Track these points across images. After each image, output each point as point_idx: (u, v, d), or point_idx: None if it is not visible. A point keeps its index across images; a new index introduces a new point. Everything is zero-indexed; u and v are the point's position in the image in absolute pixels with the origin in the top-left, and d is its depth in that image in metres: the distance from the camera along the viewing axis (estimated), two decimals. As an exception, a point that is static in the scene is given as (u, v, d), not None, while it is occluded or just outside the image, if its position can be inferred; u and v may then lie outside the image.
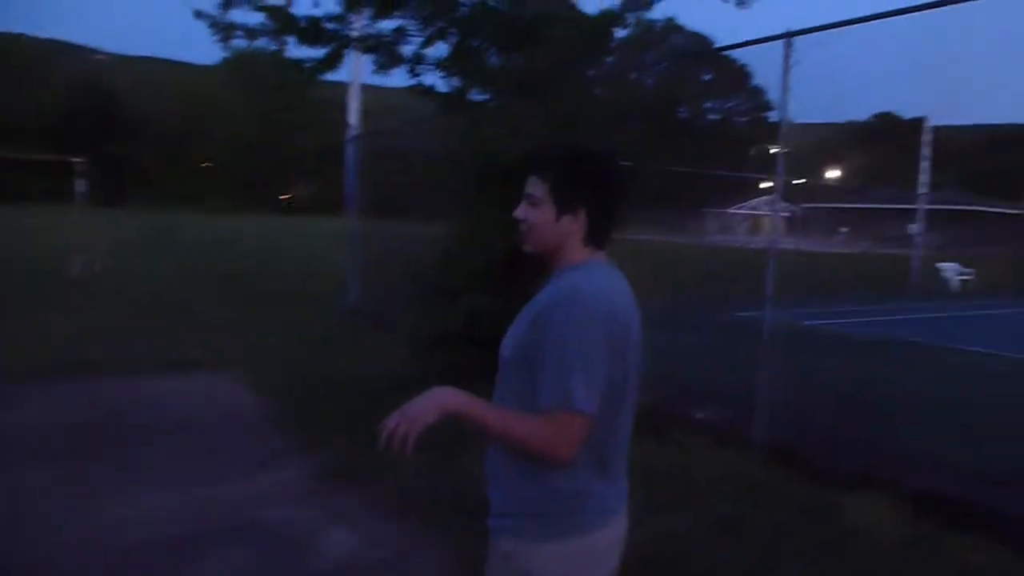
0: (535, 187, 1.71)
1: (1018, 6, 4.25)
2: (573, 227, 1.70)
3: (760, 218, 52.72)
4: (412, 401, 1.57)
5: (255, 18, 5.89)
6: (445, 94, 5.86)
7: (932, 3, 4.49)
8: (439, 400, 1.57)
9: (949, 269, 20.04)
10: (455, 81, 5.83)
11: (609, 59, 6.43)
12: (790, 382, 5.56)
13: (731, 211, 46.80)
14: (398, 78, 6.59)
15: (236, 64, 72.91)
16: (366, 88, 12.08)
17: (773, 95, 5.36)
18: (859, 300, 14.85)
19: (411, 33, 5.80)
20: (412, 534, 3.93)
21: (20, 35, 77.62)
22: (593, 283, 1.65)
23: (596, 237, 1.72)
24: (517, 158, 5.23)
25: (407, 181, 9.42)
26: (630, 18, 5.36)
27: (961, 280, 19.91)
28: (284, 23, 5.75)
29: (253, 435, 5.49)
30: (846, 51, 5.06)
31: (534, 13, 5.23)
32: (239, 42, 6.01)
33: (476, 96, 5.69)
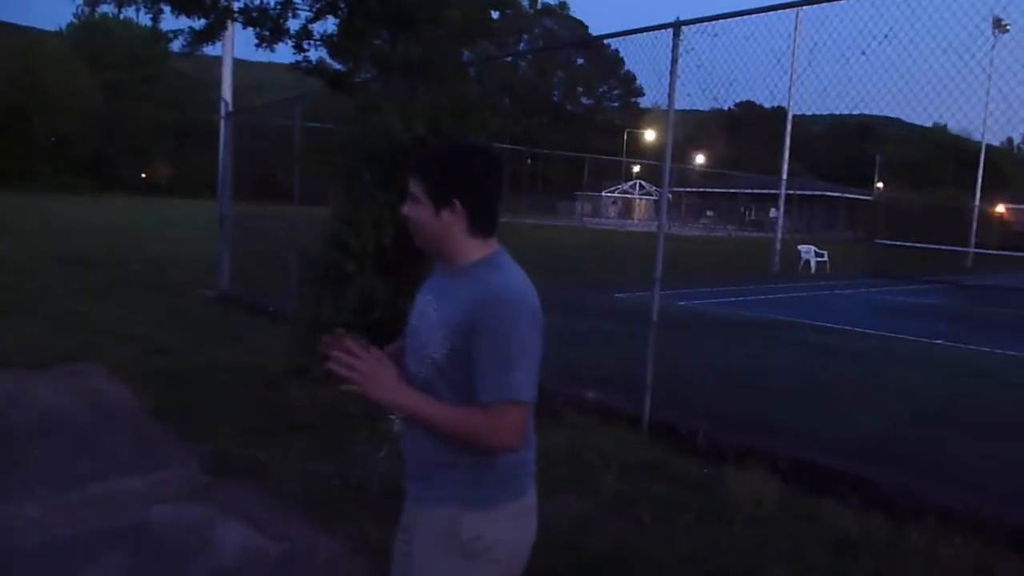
0: (414, 186, 1.81)
1: (866, 7, 4.57)
2: (453, 219, 1.78)
3: (630, 201, 54.46)
4: (385, 372, 1.74)
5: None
6: (333, 72, 5.67)
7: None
8: (397, 393, 1.74)
9: (807, 251, 21.36)
10: (343, 59, 5.65)
11: (492, 42, 6.42)
12: (672, 361, 5.78)
13: (603, 194, 48.01)
14: (263, 53, 6.34)
15: (83, 30, 68.04)
16: (219, 62, 11.43)
17: (644, 81, 5.54)
18: (727, 281, 15.59)
19: (298, 6, 5.58)
20: (311, 524, 3.82)
21: None
22: (519, 280, 1.78)
23: (480, 226, 1.81)
24: (409, 140, 5.18)
25: (285, 161, 9.10)
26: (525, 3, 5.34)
27: (818, 261, 21.27)
28: (157, -10, 5.39)
29: (133, 430, 5.17)
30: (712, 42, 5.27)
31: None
32: (107, 8, 5.55)
33: (365, 76, 5.53)
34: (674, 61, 5.05)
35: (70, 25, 71.07)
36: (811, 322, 11.60)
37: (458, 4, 5.08)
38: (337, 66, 5.66)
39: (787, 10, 5.10)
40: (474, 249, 1.81)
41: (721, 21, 4.94)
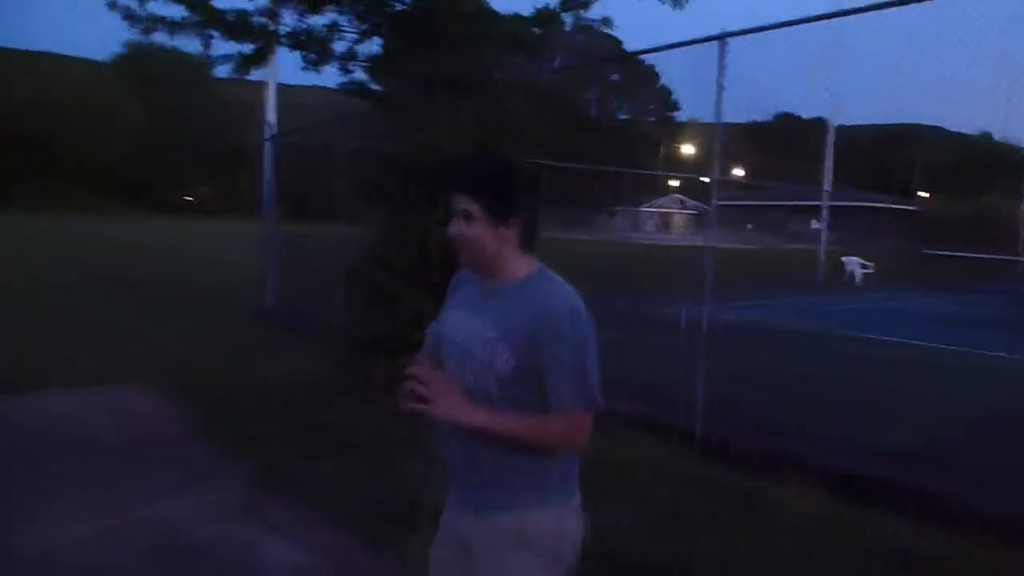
0: (468, 204, 1.81)
1: (907, 13, 4.47)
2: (508, 235, 1.82)
3: (669, 215, 54.15)
4: (451, 391, 1.80)
5: (175, 11, 5.58)
6: (378, 93, 5.73)
7: (852, 10, 4.67)
8: (468, 412, 1.79)
9: (852, 263, 20.99)
10: (388, 79, 5.70)
11: (532, 61, 6.43)
12: (722, 375, 5.69)
13: (642, 209, 47.83)
14: (302, 76, 6.45)
15: (132, 60, 69.95)
16: (262, 85, 11.63)
17: (682, 95, 5.52)
18: (771, 294, 15.36)
19: (344, 29, 5.65)
20: (360, 546, 3.81)
21: None
22: (570, 292, 1.82)
23: (530, 242, 1.86)
24: (454, 158, 5.19)
25: (329, 181, 9.20)
26: (567, 18, 5.37)
27: (864, 273, 20.89)
28: (209, 16, 5.49)
29: (178, 450, 5.21)
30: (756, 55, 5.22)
31: (473, 9, 5.16)
32: (159, 36, 5.68)
33: (410, 94, 5.57)
34: (720, 72, 5.01)
35: (118, 55, 73.23)
36: (859, 334, 11.36)
37: (505, 21, 5.10)
38: (375, 87, 5.69)
39: (828, 20, 5.04)
40: (522, 265, 1.85)
41: (764, 33, 4.89)
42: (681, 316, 6.29)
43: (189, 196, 64.36)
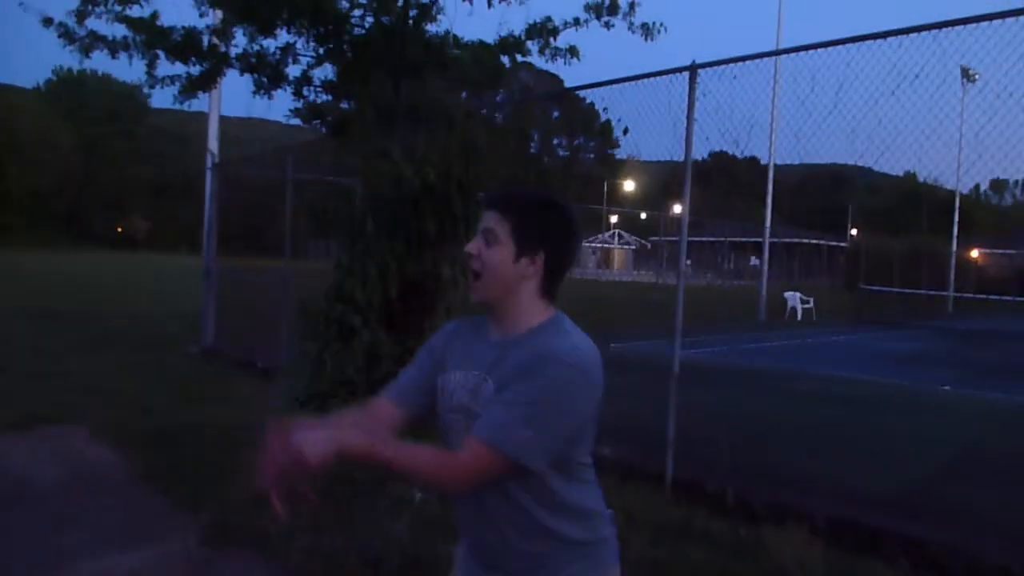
0: (495, 223, 1.61)
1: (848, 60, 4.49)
2: (529, 271, 1.61)
3: (609, 251, 54.67)
4: (295, 439, 1.37)
5: (118, 30, 5.24)
6: (334, 119, 5.48)
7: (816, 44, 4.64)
8: (334, 439, 1.41)
9: (793, 298, 21.34)
10: (343, 105, 5.47)
11: (491, 91, 6.29)
12: (683, 415, 5.53)
13: (584, 244, 48.13)
14: (241, 108, 6.20)
15: (62, 87, 68.05)
16: (198, 117, 11.31)
17: (636, 131, 5.47)
18: (716, 330, 15.41)
19: (299, 52, 5.40)
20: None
21: None
22: (586, 347, 1.59)
23: (551, 289, 1.65)
24: (420, 187, 4.97)
25: (275, 213, 8.86)
26: (532, 46, 5.22)
27: (804, 308, 21.24)
28: (154, 36, 5.17)
29: (122, 498, 4.80)
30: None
31: (435, 36, 4.98)
32: (99, 56, 5.33)
33: (369, 121, 5.34)
34: (691, 105, 4.91)
35: (48, 81, 71.11)
36: (812, 371, 11.41)
37: (468, 48, 4.93)
38: (343, 105, 5.44)
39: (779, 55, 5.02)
40: (537, 311, 1.64)
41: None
42: (636, 352, 6.13)
43: (122, 228, 62.46)
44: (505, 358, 1.59)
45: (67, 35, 5.37)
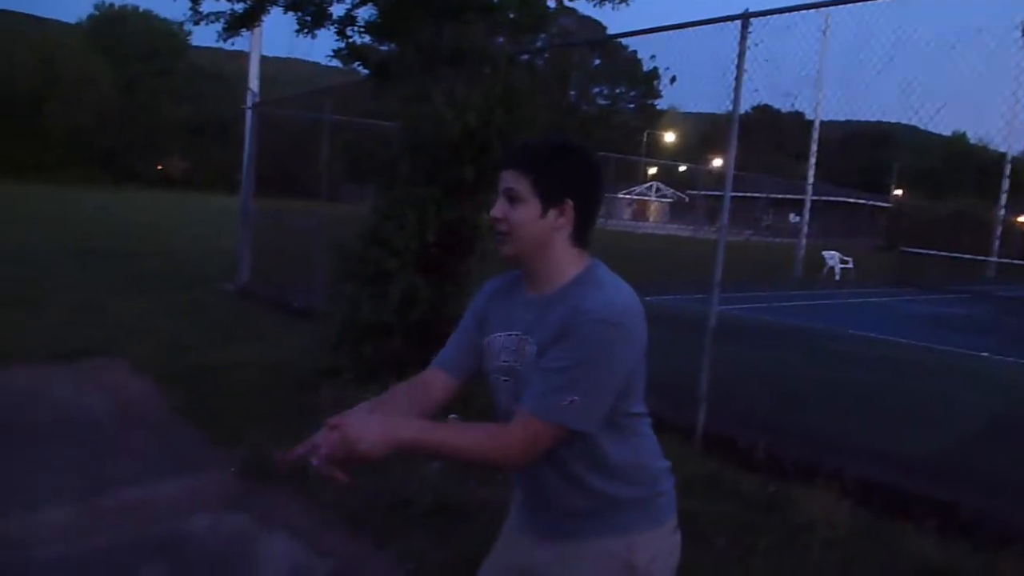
0: (515, 181, 1.58)
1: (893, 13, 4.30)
2: (560, 223, 1.58)
3: (645, 203, 54.08)
4: (351, 423, 1.39)
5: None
6: (376, 60, 5.42)
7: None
8: (389, 433, 1.40)
9: (832, 258, 21.01)
10: (387, 47, 5.40)
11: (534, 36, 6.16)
12: (714, 370, 5.50)
13: (619, 195, 47.69)
14: (278, 48, 6.12)
15: (103, 23, 68.14)
16: (237, 57, 11.26)
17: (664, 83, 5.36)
18: (752, 287, 15.26)
19: (344, -11, 5.33)
20: (358, 540, 3.56)
21: None
22: (621, 295, 1.55)
23: (583, 235, 1.62)
24: (459, 132, 4.92)
25: (314, 155, 8.86)
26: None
27: (843, 268, 20.92)
28: (198, -29, 5.14)
29: (162, 430, 4.93)
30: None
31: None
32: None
33: (410, 63, 5.27)
34: (741, 55, 4.77)
35: (89, 17, 71.23)
36: (848, 331, 11.28)
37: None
38: (385, 48, 5.37)
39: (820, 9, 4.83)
40: (571, 262, 1.60)
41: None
42: (670, 306, 6.08)
43: (162, 167, 63.04)
44: (544, 318, 1.57)
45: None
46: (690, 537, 3.63)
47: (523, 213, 1.57)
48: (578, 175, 1.61)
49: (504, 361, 1.63)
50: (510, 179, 1.58)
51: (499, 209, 1.59)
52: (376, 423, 1.42)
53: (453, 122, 4.78)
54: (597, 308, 1.49)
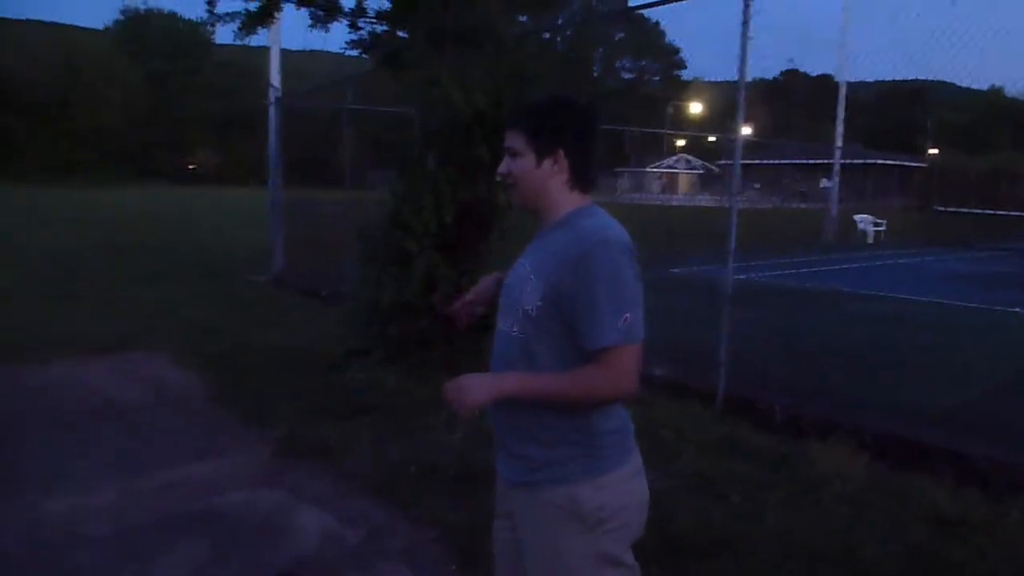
0: (513, 139, 1.76)
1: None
2: (555, 170, 1.74)
3: (674, 176, 53.63)
4: (467, 378, 1.64)
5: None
6: (390, 47, 5.53)
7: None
8: (496, 385, 1.66)
9: (864, 221, 20.76)
10: (397, 35, 5.51)
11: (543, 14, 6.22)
12: (739, 335, 5.58)
13: (648, 169, 47.36)
14: (301, 41, 6.28)
15: (128, 27, 69.19)
16: (262, 51, 11.42)
17: (694, 52, 5.35)
18: (783, 253, 15.20)
19: (353, -19, 5.45)
20: (387, 508, 3.74)
21: None
22: (613, 226, 1.72)
23: (581, 180, 1.77)
24: (470, 115, 5.04)
25: (336, 144, 9.03)
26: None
27: (876, 231, 20.67)
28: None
29: (197, 415, 5.15)
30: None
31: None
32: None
33: (419, 48, 5.37)
34: (745, 22, 4.82)
35: (116, 22, 72.48)
36: (878, 292, 11.23)
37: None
38: (400, 34, 5.48)
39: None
40: (569, 202, 1.77)
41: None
42: (696, 276, 6.15)
43: (191, 163, 63.89)
44: (545, 245, 1.75)
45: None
46: (705, 495, 3.81)
47: (522, 165, 1.75)
48: (568, 126, 1.76)
49: (508, 278, 1.85)
50: (509, 137, 1.77)
51: (504, 165, 1.79)
52: (484, 380, 1.65)
53: (463, 105, 4.89)
54: (596, 230, 1.68)
